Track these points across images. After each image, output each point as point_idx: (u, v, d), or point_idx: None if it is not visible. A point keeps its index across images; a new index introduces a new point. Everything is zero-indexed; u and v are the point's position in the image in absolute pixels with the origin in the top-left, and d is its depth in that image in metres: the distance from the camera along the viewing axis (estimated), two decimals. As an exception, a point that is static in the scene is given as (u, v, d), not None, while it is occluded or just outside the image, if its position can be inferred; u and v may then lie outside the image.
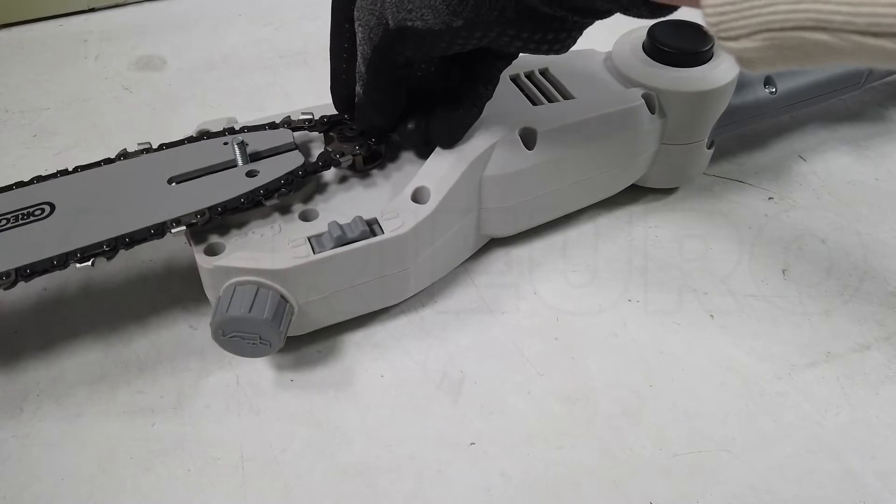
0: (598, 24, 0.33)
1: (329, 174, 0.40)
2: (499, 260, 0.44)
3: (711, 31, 0.22)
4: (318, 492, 0.33)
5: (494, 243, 0.45)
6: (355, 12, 0.35)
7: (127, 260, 0.43)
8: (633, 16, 0.29)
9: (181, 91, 0.59)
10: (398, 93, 0.38)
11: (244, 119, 0.42)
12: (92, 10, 0.69)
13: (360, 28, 0.35)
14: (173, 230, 0.35)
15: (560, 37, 0.33)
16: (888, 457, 0.35)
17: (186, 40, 0.65)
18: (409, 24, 0.33)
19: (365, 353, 0.39)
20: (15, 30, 0.66)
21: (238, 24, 0.68)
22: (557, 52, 0.34)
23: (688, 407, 0.37)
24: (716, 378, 0.38)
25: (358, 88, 0.38)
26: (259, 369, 0.38)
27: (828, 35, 0.20)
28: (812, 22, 0.20)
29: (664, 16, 0.30)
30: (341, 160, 0.39)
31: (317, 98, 0.44)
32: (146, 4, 0.70)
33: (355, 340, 0.40)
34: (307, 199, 0.38)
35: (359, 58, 0.36)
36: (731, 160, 0.52)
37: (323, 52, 0.39)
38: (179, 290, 0.42)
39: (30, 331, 0.40)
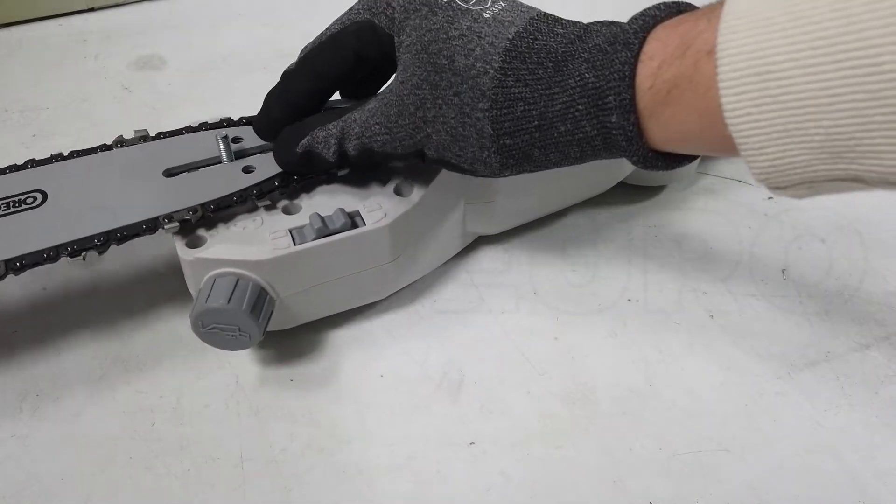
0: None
1: None
2: (499, 260, 0.44)
3: (759, 182, 0.25)
4: (317, 492, 0.33)
5: (495, 242, 0.45)
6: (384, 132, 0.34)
7: (127, 258, 0.43)
8: (650, 168, 0.29)
9: (181, 91, 0.59)
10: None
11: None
12: (91, 9, 0.69)
13: (384, 131, 0.34)
14: (166, 226, 0.34)
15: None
16: (888, 457, 0.35)
17: (186, 40, 0.65)
18: (454, 162, 0.33)
19: (364, 352, 0.39)
20: (14, 29, 0.66)
21: (237, 24, 0.68)
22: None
23: (688, 407, 0.37)
24: (716, 378, 0.38)
25: (325, 154, 0.36)
26: (258, 369, 0.38)
27: (863, 183, 0.23)
28: (849, 175, 0.23)
29: (680, 166, 0.30)
30: (339, 172, 0.39)
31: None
32: (146, 4, 0.70)
33: (355, 340, 0.40)
34: (291, 194, 0.38)
35: (347, 132, 0.35)
36: (730, 160, 0.52)
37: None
38: (179, 290, 0.42)
39: (29, 331, 0.40)
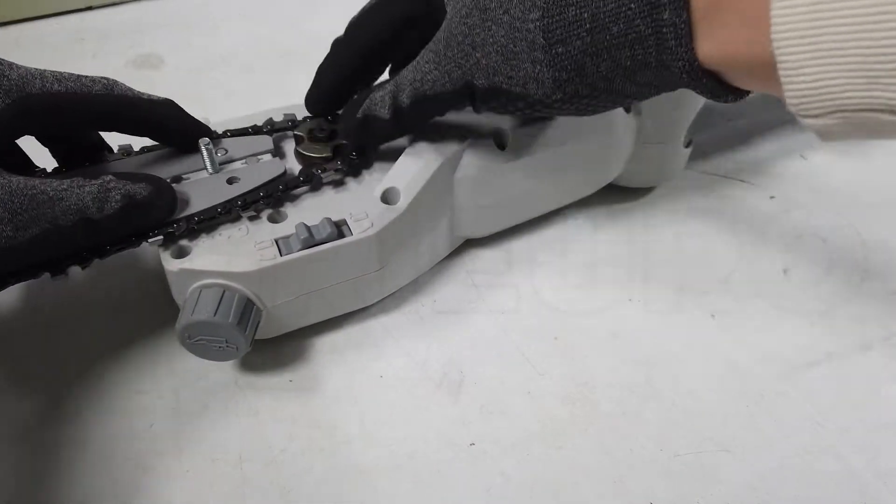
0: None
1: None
2: (499, 260, 0.44)
3: (793, 110, 0.25)
4: (317, 492, 0.33)
5: (495, 242, 0.45)
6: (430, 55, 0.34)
7: (126, 259, 0.43)
8: (715, 99, 0.29)
9: (179, 90, 0.58)
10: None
11: (223, 118, 0.42)
12: (90, 8, 0.69)
13: (433, 68, 0.34)
14: (150, 239, 0.34)
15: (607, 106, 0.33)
16: (888, 457, 0.35)
17: (185, 39, 0.65)
18: (506, 87, 0.33)
19: (364, 352, 0.39)
20: (12, 28, 0.66)
21: (237, 24, 0.68)
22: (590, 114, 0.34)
23: (688, 407, 0.37)
24: (716, 378, 0.38)
25: (381, 113, 0.36)
26: (257, 370, 0.38)
27: None
28: (884, 106, 0.23)
29: (740, 98, 0.30)
30: (323, 176, 0.38)
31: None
32: (144, 3, 0.70)
33: (354, 341, 0.40)
34: (277, 202, 0.38)
35: (400, 84, 0.35)
36: (731, 159, 0.52)
37: (323, 52, 0.39)
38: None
39: (29, 330, 0.40)
